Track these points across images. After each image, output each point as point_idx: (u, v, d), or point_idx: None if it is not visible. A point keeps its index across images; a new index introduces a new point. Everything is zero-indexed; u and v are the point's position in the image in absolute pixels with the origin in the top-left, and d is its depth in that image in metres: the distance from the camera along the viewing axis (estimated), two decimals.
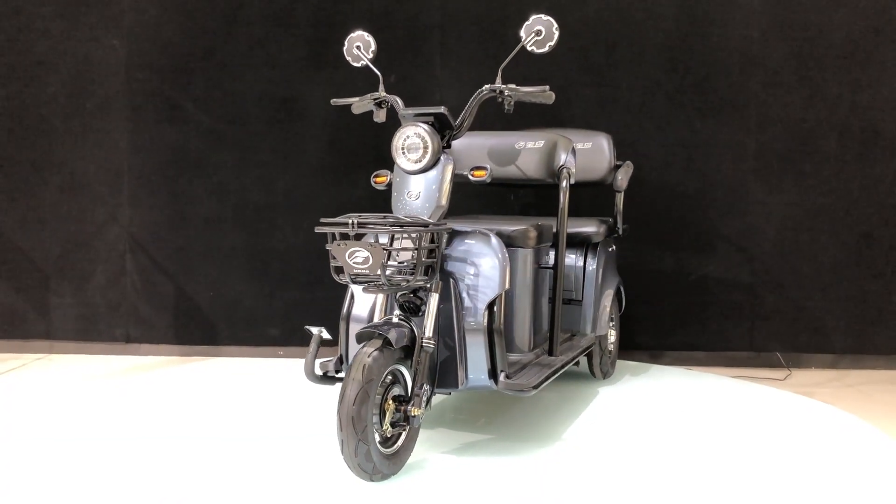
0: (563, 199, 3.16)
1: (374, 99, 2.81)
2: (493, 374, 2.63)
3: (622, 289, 3.87)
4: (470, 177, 2.68)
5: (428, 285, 2.53)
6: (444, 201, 2.63)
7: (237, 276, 4.35)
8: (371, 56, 2.88)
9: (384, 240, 2.59)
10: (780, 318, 4.27)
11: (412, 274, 2.44)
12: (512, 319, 3.03)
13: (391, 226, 2.39)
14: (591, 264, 3.59)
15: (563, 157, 3.23)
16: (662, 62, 4.27)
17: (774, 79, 4.22)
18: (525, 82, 4.42)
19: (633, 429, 3.06)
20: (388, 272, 2.40)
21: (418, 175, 2.64)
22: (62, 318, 4.39)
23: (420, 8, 4.28)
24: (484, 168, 2.67)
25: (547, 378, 2.82)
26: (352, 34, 2.92)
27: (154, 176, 4.35)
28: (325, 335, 2.49)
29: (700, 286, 4.28)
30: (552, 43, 2.71)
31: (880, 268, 4.23)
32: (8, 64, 4.32)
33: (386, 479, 2.42)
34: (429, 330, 2.49)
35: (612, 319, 3.82)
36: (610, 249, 3.78)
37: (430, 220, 2.53)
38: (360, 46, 2.89)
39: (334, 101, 2.94)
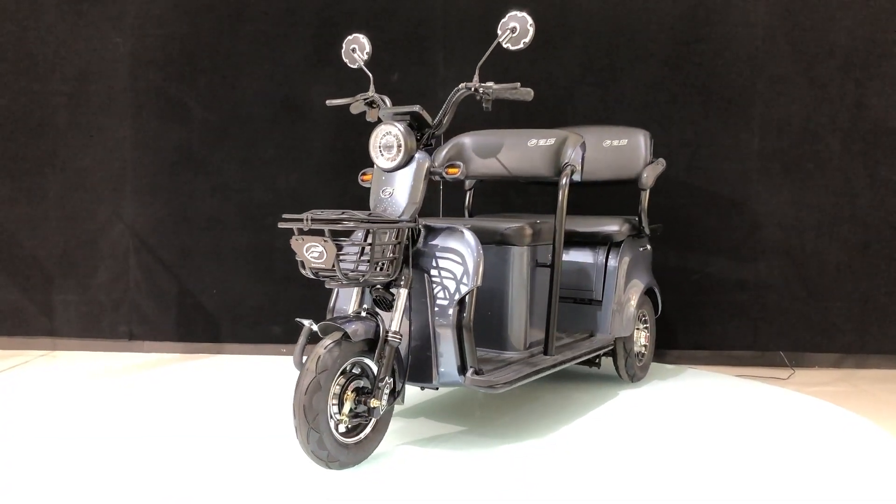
0: (561, 196, 3.11)
1: (364, 99, 2.89)
2: (462, 370, 2.66)
3: (657, 291, 3.80)
4: (444, 174, 2.72)
5: (400, 281, 2.59)
6: (419, 198, 2.67)
7: (240, 274, 4.36)
8: (366, 57, 2.96)
9: (361, 236, 2.64)
10: (783, 318, 4.26)
11: (376, 269, 2.48)
12: (506, 317, 3.05)
13: (344, 222, 2.41)
14: (613, 264, 3.53)
15: (568, 154, 3.18)
16: (666, 62, 4.26)
17: (779, 79, 4.21)
18: (529, 80, 4.42)
19: (634, 430, 3.05)
20: (362, 267, 2.47)
21: (393, 173, 2.69)
22: (66, 315, 4.40)
23: (423, 7, 4.28)
24: (457, 165, 2.71)
25: (525, 377, 2.82)
26: (348, 37, 3.00)
27: (157, 174, 4.35)
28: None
29: (703, 285, 4.27)
30: (527, 40, 2.71)
31: (884, 267, 4.22)
32: (11, 61, 4.33)
33: (345, 467, 2.49)
34: (395, 324, 2.54)
35: (644, 321, 3.78)
36: (641, 249, 3.71)
37: (397, 217, 2.60)
38: (355, 48, 2.98)
39: (329, 102, 3.02)
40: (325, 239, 2.37)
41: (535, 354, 3.07)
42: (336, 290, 2.84)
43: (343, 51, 3.01)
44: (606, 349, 3.48)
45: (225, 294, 4.37)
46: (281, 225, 2.45)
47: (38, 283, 4.39)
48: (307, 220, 2.39)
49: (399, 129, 2.65)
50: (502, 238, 3.04)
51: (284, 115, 4.33)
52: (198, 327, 4.38)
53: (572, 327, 3.54)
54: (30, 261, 4.38)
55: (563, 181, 3.13)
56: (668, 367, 4.12)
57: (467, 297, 2.67)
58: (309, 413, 2.36)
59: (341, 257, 2.42)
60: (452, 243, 2.72)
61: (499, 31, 2.76)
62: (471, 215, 3.94)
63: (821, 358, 4.27)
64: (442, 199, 4.31)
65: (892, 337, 4.24)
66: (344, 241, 2.47)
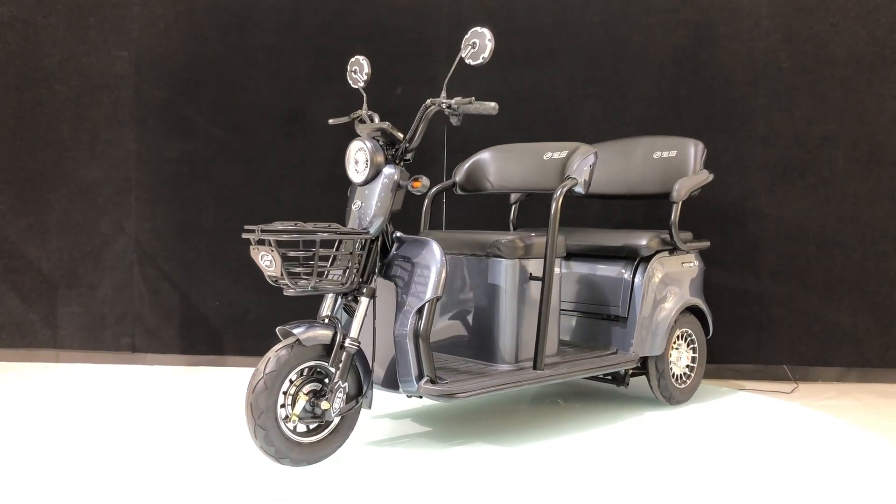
0: (553, 208, 3.05)
1: (355, 117, 3.04)
2: (419, 378, 2.74)
3: (704, 309, 3.66)
4: (409, 188, 2.81)
5: (363, 289, 2.73)
6: (384, 210, 2.78)
7: (243, 286, 4.36)
8: (365, 78, 3.07)
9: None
10: (787, 331, 4.25)
11: (322, 278, 2.64)
12: (495, 330, 3.07)
13: (284, 233, 2.56)
14: (639, 279, 3.41)
15: (573, 166, 3.17)
16: (668, 73, 4.28)
17: (781, 90, 4.22)
18: (532, 93, 4.46)
19: (626, 448, 3.04)
20: (334, 275, 2.64)
21: (363, 186, 2.85)
22: (69, 327, 4.40)
23: (427, 20, 4.31)
24: (419, 179, 2.81)
25: (491, 389, 2.84)
26: (352, 59, 3.11)
27: (161, 186, 4.37)
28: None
29: (707, 298, 4.25)
30: (485, 55, 2.76)
31: (888, 280, 4.22)
32: (16, 75, 4.36)
33: (300, 464, 2.63)
34: (354, 331, 2.67)
35: (688, 342, 3.64)
36: (685, 265, 3.58)
37: (362, 229, 2.76)
38: (356, 70, 3.10)
39: (332, 122, 3.15)
40: (272, 249, 2.54)
41: (524, 368, 3.06)
42: (324, 298, 2.92)
43: (347, 72, 3.13)
44: (628, 367, 3.38)
45: (228, 306, 4.37)
46: (243, 236, 2.60)
47: (41, 294, 4.40)
48: (258, 231, 2.57)
49: (366, 145, 2.81)
50: (492, 251, 3.08)
51: (288, 129, 4.35)
52: (201, 339, 4.38)
53: (596, 343, 3.48)
54: (33, 272, 4.40)
55: (557, 193, 3.09)
56: (722, 388, 3.98)
57: (426, 306, 2.73)
58: (255, 410, 2.52)
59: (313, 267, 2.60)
60: (419, 254, 2.80)
61: (461, 46, 2.83)
62: (515, 228, 3.96)
63: (824, 372, 4.26)
64: (445, 211, 4.33)
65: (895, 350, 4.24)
66: (289, 251, 2.59)
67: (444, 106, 2.83)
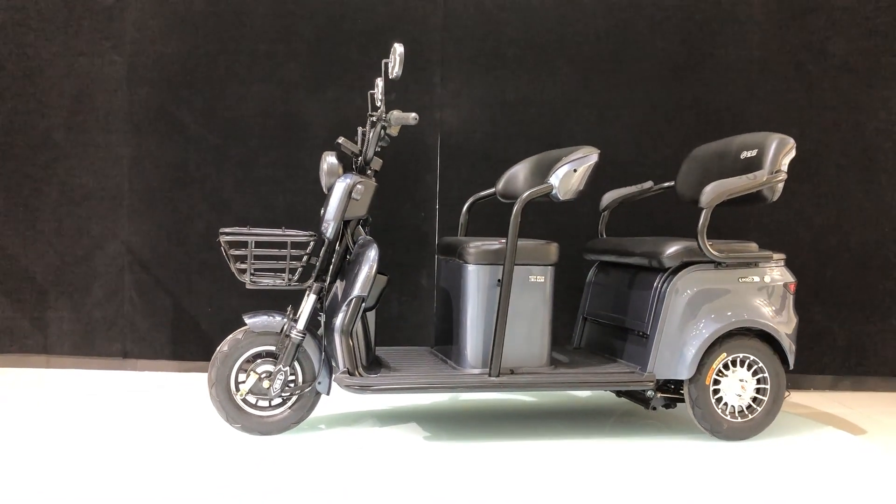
0: (513, 212, 2.99)
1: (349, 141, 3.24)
2: (340, 369, 2.94)
3: (776, 334, 3.12)
4: (351, 195, 3.02)
5: (312, 286, 3.03)
6: (336, 215, 3.02)
7: (236, 292, 4.35)
8: (381, 97, 3.17)
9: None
10: None
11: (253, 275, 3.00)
12: (460, 334, 3.12)
13: (228, 235, 2.94)
14: (665, 292, 3.10)
15: (554, 171, 3.10)
16: (662, 82, 4.30)
17: (775, 99, 4.24)
18: (525, 100, 4.47)
19: (634, 454, 3.04)
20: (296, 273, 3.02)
21: (328, 194, 3.10)
22: (60, 332, 4.38)
23: (421, 27, 4.32)
24: (358, 190, 3.02)
25: (403, 388, 2.97)
26: (376, 80, 3.24)
27: (154, 191, 4.36)
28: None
29: None
30: (397, 69, 2.98)
31: (880, 289, 4.23)
32: (10, 78, 4.35)
33: (253, 432, 3.01)
34: (300, 323, 2.99)
35: (753, 370, 3.15)
36: (746, 280, 3.14)
37: (320, 231, 3.02)
38: (374, 93, 3.22)
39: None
40: (227, 249, 2.92)
41: (485, 374, 3.05)
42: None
43: (371, 95, 3.28)
44: (642, 388, 3.12)
45: (220, 312, 4.36)
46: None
47: (31, 299, 4.38)
48: (220, 233, 2.95)
49: (324, 158, 3.13)
50: (461, 256, 3.13)
51: (282, 133, 4.34)
52: (192, 346, 4.36)
53: (622, 358, 3.32)
54: (24, 277, 4.37)
55: (523, 197, 3.02)
56: (803, 418, 3.63)
57: (352, 303, 2.92)
58: (209, 381, 2.99)
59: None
60: (360, 255, 2.99)
61: (386, 62, 3.04)
62: (603, 237, 3.82)
63: (817, 380, 4.26)
64: (448, 220, 4.32)
65: (888, 359, 4.24)
66: (235, 251, 2.94)
67: (375, 118, 3.02)
